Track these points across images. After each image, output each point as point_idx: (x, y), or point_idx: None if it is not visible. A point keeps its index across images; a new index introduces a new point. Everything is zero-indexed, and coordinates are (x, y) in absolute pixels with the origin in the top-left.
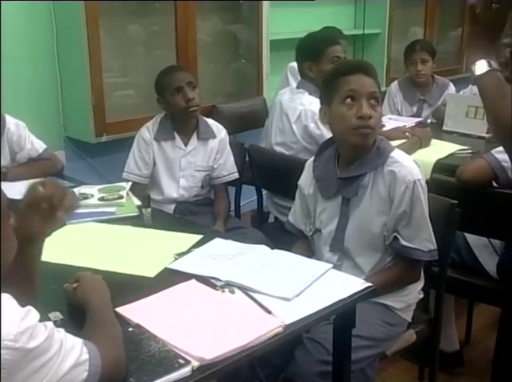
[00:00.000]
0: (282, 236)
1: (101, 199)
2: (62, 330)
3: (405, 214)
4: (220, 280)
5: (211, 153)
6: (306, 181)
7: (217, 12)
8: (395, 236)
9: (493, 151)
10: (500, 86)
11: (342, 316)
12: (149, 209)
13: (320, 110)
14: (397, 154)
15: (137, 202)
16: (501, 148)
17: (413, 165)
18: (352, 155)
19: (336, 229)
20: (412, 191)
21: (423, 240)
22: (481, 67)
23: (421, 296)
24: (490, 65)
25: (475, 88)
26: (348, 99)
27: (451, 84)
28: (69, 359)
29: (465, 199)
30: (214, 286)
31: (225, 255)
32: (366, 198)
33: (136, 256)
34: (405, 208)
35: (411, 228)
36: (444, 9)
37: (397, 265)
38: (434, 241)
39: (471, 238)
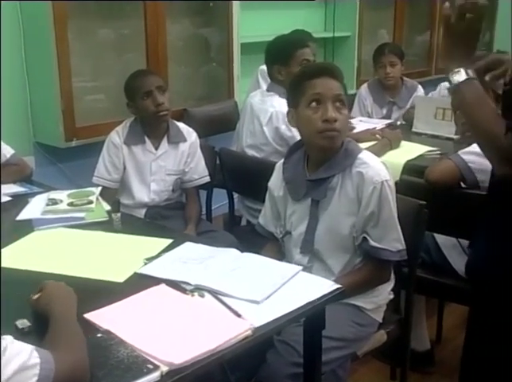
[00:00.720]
0: (254, 239)
1: (70, 204)
2: (8, 337)
3: (373, 215)
4: (190, 284)
5: (181, 157)
6: (276, 183)
7: (187, 15)
8: (364, 237)
9: (460, 152)
10: (479, 94)
11: (312, 318)
12: (119, 214)
13: (288, 113)
14: (365, 156)
15: (107, 207)
16: (468, 149)
17: (380, 166)
18: (320, 157)
19: (306, 231)
20: (380, 192)
21: (391, 240)
22: (459, 76)
23: (391, 297)
24: (467, 74)
25: (443, 90)
26: (314, 103)
27: (419, 87)
28: (13, 363)
29: (434, 200)
30: (184, 291)
31: (195, 259)
32: (335, 200)
33: (105, 261)
34: (373, 208)
35: (379, 228)
36: (412, 12)
37: (367, 266)
38: (403, 241)
39: (440, 238)
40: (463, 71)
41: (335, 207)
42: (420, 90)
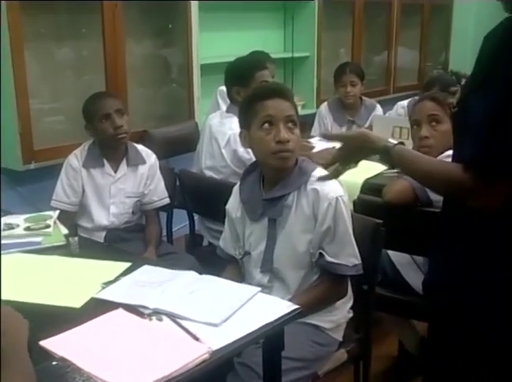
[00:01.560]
0: (216, 260)
1: (27, 229)
2: None
3: (329, 230)
4: (148, 308)
5: (141, 179)
6: (233, 204)
7: (148, 36)
8: (320, 253)
9: None
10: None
11: (271, 339)
12: (76, 238)
13: (240, 134)
14: (319, 173)
15: (65, 231)
16: None
17: (334, 183)
18: (275, 177)
19: (265, 250)
20: (335, 207)
21: (347, 255)
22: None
23: (351, 315)
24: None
25: (399, 109)
26: (266, 124)
27: (378, 105)
28: None
29: (390, 218)
30: (141, 315)
31: (153, 283)
32: (292, 218)
33: (62, 287)
34: (329, 224)
35: (335, 243)
36: (370, 33)
37: (324, 282)
38: (358, 256)
39: (395, 256)
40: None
41: (292, 225)
42: (379, 109)
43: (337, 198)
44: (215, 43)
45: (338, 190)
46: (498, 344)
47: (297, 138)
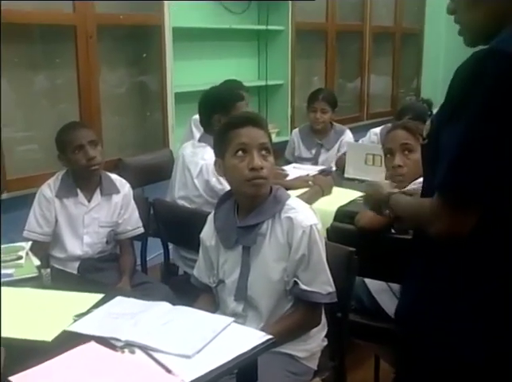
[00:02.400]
0: (191, 289)
1: None
2: None
3: (303, 258)
4: (120, 340)
5: (115, 209)
6: (208, 233)
7: (122, 65)
8: (295, 281)
9: None
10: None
11: (244, 369)
12: (48, 270)
13: (215, 162)
14: (293, 202)
15: (37, 262)
16: None
17: (308, 211)
18: (250, 204)
19: (239, 278)
20: (309, 235)
21: (321, 283)
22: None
23: (325, 343)
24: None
25: (372, 136)
26: (240, 152)
27: (347, 130)
28: None
29: (364, 245)
30: (114, 347)
31: (126, 314)
32: (266, 246)
33: (33, 319)
34: (303, 252)
35: (309, 271)
36: (343, 61)
37: (298, 310)
38: (332, 284)
39: (371, 284)
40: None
41: (266, 253)
42: (348, 134)
43: (311, 226)
44: (190, 71)
45: (312, 218)
46: (473, 366)
47: (271, 165)
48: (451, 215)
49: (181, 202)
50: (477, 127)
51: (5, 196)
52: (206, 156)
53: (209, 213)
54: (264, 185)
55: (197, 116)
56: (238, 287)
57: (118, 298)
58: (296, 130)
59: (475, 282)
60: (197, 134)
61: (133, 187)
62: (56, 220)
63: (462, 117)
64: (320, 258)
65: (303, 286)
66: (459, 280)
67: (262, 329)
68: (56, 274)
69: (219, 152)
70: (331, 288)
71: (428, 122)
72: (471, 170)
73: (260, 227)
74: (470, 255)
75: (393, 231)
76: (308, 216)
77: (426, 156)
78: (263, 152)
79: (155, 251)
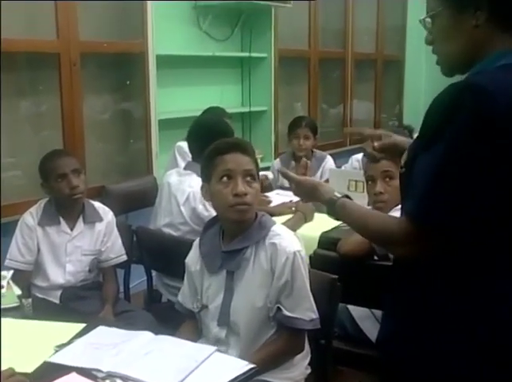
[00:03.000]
0: (174, 317)
1: None
2: None
3: (286, 284)
4: (102, 371)
5: (98, 237)
6: (193, 258)
7: (106, 91)
8: (278, 307)
9: None
10: (354, 204)
11: None
12: (30, 300)
13: (202, 187)
14: (278, 228)
15: (18, 292)
16: None
17: (293, 238)
18: (234, 230)
19: (222, 303)
20: (292, 262)
21: (305, 310)
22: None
23: (309, 371)
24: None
25: (354, 162)
26: (225, 178)
27: (328, 157)
28: None
29: (347, 272)
30: (95, 378)
31: (107, 344)
32: (249, 271)
33: (13, 351)
34: (286, 278)
35: (293, 298)
36: (325, 87)
37: (281, 336)
38: (315, 310)
39: (354, 311)
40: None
41: (250, 278)
42: (330, 160)
43: (295, 253)
44: (173, 98)
45: (296, 245)
46: None
47: (256, 191)
48: (418, 241)
49: (166, 230)
50: (450, 158)
51: None
52: (193, 183)
53: (193, 241)
54: (248, 210)
55: (181, 143)
56: (221, 312)
57: (100, 328)
58: (276, 161)
59: (453, 307)
60: (181, 162)
61: (116, 214)
62: (39, 249)
63: (437, 146)
64: (303, 284)
65: (286, 313)
66: (437, 305)
67: (244, 357)
68: (38, 304)
69: (206, 177)
70: (315, 315)
71: (406, 151)
72: (442, 200)
73: (244, 252)
74: (447, 280)
75: (375, 257)
76: (292, 242)
77: (403, 184)
78: (248, 178)
79: (138, 277)
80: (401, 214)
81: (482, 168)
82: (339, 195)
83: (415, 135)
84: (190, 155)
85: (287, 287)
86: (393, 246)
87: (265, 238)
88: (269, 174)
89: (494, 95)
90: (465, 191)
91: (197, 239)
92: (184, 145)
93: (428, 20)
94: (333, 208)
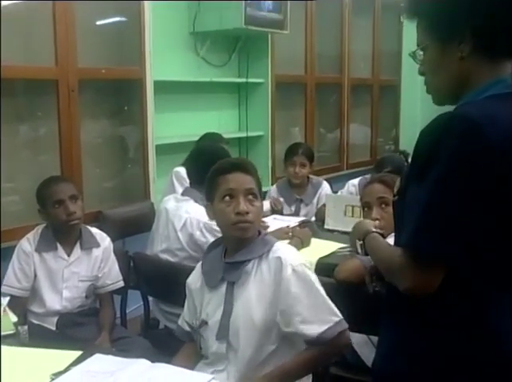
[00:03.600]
0: (171, 343)
1: None
2: None
3: (297, 295)
4: None
5: (95, 263)
6: (194, 277)
7: (104, 117)
8: (297, 327)
9: None
10: (380, 242)
11: None
12: (26, 327)
13: (206, 206)
14: (281, 245)
15: (14, 318)
16: None
17: (296, 253)
18: (237, 246)
19: (222, 317)
20: (299, 272)
21: (327, 315)
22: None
23: None
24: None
25: (351, 187)
26: (227, 197)
27: (324, 183)
28: None
29: (344, 297)
30: None
31: (104, 372)
32: (250, 284)
33: (9, 379)
34: (295, 289)
35: (310, 307)
36: (322, 111)
37: (320, 350)
38: (337, 312)
39: (353, 337)
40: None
41: (250, 291)
42: (326, 186)
43: (301, 264)
44: (171, 123)
45: (301, 258)
46: None
47: (258, 210)
48: (416, 273)
49: (163, 256)
50: (441, 188)
51: None
52: (190, 209)
53: (190, 267)
54: (249, 228)
55: (178, 169)
56: (221, 326)
57: (97, 356)
58: (273, 188)
59: (446, 334)
60: (179, 188)
61: (113, 239)
62: (35, 275)
63: (427, 177)
64: (316, 291)
65: (311, 332)
66: (430, 332)
67: (244, 374)
68: (34, 331)
69: (209, 197)
70: (337, 317)
71: (399, 180)
72: (436, 231)
73: (246, 264)
74: (441, 309)
75: (373, 284)
76: (296, 256)
77: (396, 212)
78: (250, 196)
79: (135, 303)
80: (395, 243)
81: (472, 198)
82: (373, 229)
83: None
84: (188, 181)
85: (300, 298)
86: (396, 280)
87: (269, 252)
88: (266, 203)
89: (482, 125)
90: (460, 220)
91: (200, 262)
92: (182, 170)
93: (419, 52)
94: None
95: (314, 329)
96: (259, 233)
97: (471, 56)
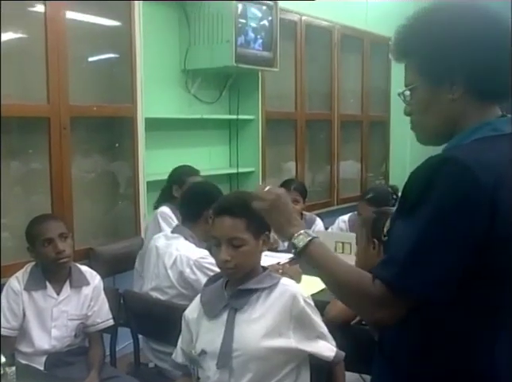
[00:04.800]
0: None
1: None
2: None
3: (309, 323)
4: None
5: (84, 301)
6: (192, 308)
7: (95, 154)
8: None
9: None
10: (326, 250)
11: None
12: (13, 368)
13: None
14: (286, 280)
15: (2, 359)
16: None
17: (301, 288)
18: (239, 283)
19: (222, 344)
20: (308, 304)
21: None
22: (301, 240)
23: None
24: (308, 235)
25: (341, 223)
26: (215, 241)
27: (318, 219)
28: None
29: (335, 336)
30: None
31: None
32: (255, 312)
33: None
34: (309, 318)
35: (319, 338)
36: (312, 147)
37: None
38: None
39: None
40: (303, 233)
41: (254, 318)
42: (319, 222)
43: (308, 296)
44: (162, 160)
45: (305, 293)
46: None
47: (243, 254)
48: (394, 307)
49: (153, 293)
50: (432, 227)
51: None
52: (180, 247)
53: (180, 305)
54: (233, 273)
55: (163, 209)
56: (221, 353)
57: None
58: None
59: (438, 373)
60: (166, 227)
61: (103, 276)
62: (24, 314)
63: (416, 215)
64: (320, 322)
65: (326, 354)
66: (421, 372)
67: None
68: (22, 371)
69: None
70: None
71: (389, 220)
72: (425, 271)
73: (254, 293)
74: (432, 347)
75: (363, 322)
76: (301, 290)
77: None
78: (234, 242)
79: (125, 340)
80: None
81: (463, 238)
82: (313, 234)
83: (399, 194)
84: (174, 219)
85: (312, 325)
86: (365, 310)
87: (277, 285)
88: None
89: (473, 169)
90: (445, 261)
91: (199, 294)
92: (167, 210)
93: (407, 92)
94: (304, 245)
95: (330, 350)
96: (264, 269)
97: (461, 99)
